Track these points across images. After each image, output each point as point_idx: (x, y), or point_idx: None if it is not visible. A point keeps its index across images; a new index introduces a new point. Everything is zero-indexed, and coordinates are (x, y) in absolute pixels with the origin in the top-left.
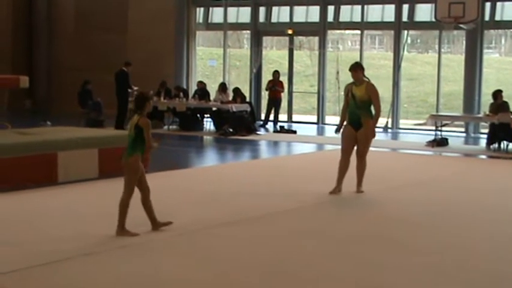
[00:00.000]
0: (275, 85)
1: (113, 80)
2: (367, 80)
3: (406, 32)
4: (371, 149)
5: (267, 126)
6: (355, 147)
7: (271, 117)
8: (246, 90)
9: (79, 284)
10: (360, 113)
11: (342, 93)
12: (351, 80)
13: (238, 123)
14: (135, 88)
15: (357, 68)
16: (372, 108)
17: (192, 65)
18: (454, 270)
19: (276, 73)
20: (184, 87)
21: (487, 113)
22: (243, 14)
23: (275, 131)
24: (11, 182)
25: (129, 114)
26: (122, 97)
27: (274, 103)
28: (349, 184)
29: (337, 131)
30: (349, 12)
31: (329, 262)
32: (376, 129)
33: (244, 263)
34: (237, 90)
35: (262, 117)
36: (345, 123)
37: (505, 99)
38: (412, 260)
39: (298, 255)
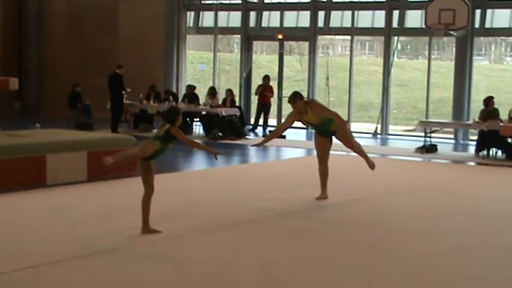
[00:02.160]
0: (265, 90)
1: (103, 82)
2: (306, 102)
3: (396, 38)
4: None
5: (256, 130)
6: (345, 145)
7: (261, 121)
8: (235, 95)
9: (67, 287)
10: (325, 129)
11: (332, 98)
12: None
13: (227, 128)
14: (128, 90)
15: (295, 99)
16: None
17: (182, 69)
18: (445, 277)
19: (266, 78)
20: (174, 91)
21: (476, 119)
22: (234, 19)
23: (264, 136)
24: None
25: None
26: (117, 100)
27: (264, 108)
28: (336, 191)
29: (259, 145)
30: (339, 18)
31: (318, 268)
32: (364, 134)
33: (231, 268)
34: (229, 91)
35: (252, 121)
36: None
37: (495, 106)
38: (402, 267)
39: (287, 261)
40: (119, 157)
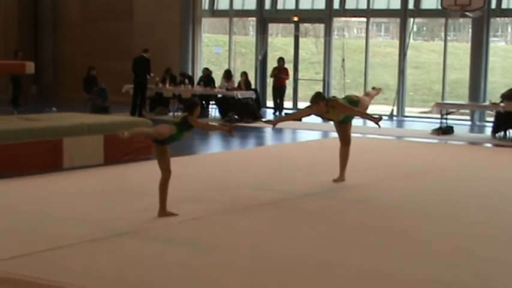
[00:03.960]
0: (280, 72)
1: (118, 66)
2: (328, 103)
3: (412, 19)
4: (375, 136)
5: (277, 113)
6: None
7: (280, 105)
8: (251, 78)
9: (85, 269)
10: (345, 120)
11: (348, 81)
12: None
13: (243, 110)
14: (152, 75)
15: (318, 100)
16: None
17: (198, 52)
18: (460, 258)
19: (281, 60)
20: (190, 74)
21: (493, 101)
22: (249, 1)
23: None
24: (16, 167)
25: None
26: (143, 83)
27: (279, 90)
28: (352, 173)
29: (272, 124)
30: (355, 0)
31: (333, 249)
32: (381, 117)
33: (247, 250)
34: (244, 73)
35: (267, 104)
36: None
37: (509, 86)
38: (418, 248)
39: (302, 242)
40: (134, 133)
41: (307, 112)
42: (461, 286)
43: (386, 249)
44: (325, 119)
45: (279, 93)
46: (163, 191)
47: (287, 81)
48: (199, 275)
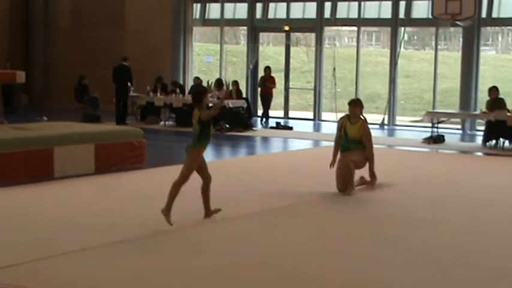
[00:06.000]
0: (266, 81)
1: (109, 75)
2: (363, 118)
3: (402, 28)
4: None
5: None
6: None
7: (265, 112)
8: (242, 87)
9: (76, 279)
10: (351, 148)
11: (339, 90)
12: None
13: (234, 119)
14: (133, 82)
15: (356, 104)
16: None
17: (189, 61)
18: (453, 267)
19: (267, 69)
20: (181, 82)
21: (483, 110)
22: (240, 10)
23: (265, 127)
24: (7, 177)
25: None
26: (125, 92)
27: (266, 99)
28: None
29: (331, 165)
30: (346, 9)
31: (326, 259)
32: (371, 126)
33: (240, 258)
34: (235, 82)
35: (259, 113)
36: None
37: (501, 95)
38: (411, 257)
39: (295, 251)
40: (172, 199)
41: (340, 130)
42: None
43: (381, 258)
44: (344, 131)
45: (265, 102)
46: (204, 195)
47: (274, 90)
48: (191, 285)
